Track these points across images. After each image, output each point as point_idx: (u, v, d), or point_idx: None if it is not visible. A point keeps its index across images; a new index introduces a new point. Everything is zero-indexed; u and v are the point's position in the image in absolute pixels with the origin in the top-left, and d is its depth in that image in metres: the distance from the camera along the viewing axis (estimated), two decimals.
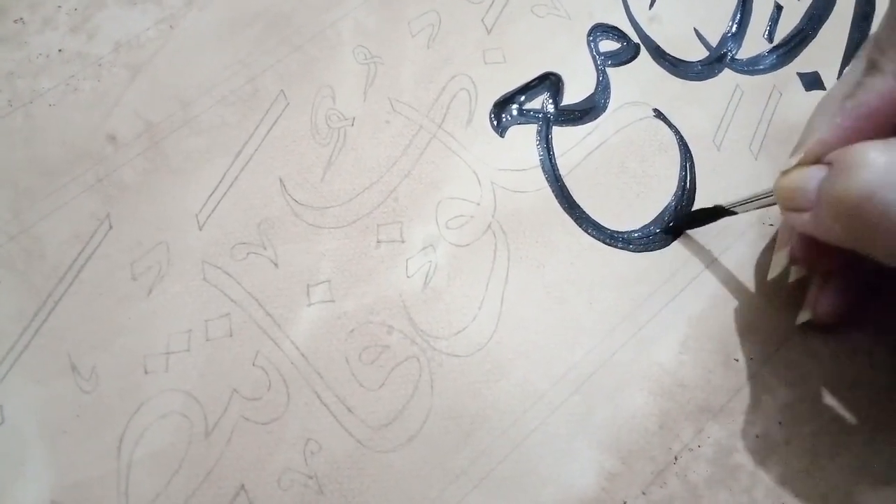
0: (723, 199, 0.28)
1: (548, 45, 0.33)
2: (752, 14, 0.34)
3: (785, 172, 0.24)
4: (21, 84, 0.31)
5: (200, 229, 0.29)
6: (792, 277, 0.27)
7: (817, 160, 0.23)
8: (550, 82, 0.32)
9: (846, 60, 0.33)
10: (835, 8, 0.34)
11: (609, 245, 0.29)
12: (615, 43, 0.33)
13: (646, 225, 0.30)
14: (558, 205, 0.30)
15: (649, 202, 0.30)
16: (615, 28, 0.33)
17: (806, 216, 0.23)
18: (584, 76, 0.32)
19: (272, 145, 0.30)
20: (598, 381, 0.27)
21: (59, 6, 0.33)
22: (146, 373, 0.26)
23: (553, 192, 0.30)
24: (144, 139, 0.30)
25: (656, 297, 0.28)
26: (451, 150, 0.31)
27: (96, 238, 0.28)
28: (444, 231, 0.29)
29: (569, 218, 0.30)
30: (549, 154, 0.31)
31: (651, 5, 0.34)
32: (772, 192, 0.25)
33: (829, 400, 0.27)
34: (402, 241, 0.29)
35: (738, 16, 0.34)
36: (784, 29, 0.34)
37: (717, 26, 0.34)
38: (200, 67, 0.32)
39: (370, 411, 0.26)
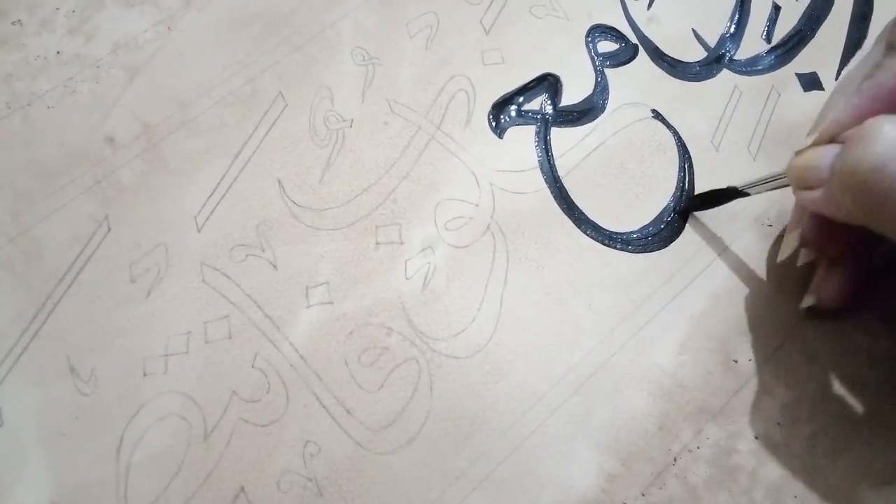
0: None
1: (546, 45, 0.33)
2: (751, 14, 0.34)
3: (799, 152, 0.24)
4: (19, 86, 0.31)
5: (199, 231, 0.29)
6: (801, 261, 0.27)
7: (832, 140, 0.23)
8: (549, 83, 0.32)
9: (845, 60, 0.33)
10: (833, 8, 0.34)
11: (608, 246, 0.29)
12: (613, 44, 0.33)
13: (645, 226, 0.30)
14: (557, 206, 0.30)
15: (648, 203, 0.30)
16: (613, 29, 0.33)
17: (817, 193, 0.23)
18: (582, 77, 0.32)
19: (271, 147, 0.30)
20: (598, 382, 0.27)
21: (58, 8, 0.32)
22: (145, 375, 0.26)
23: (552, 193, 0.30)
24: (143, 141, 0.30)
25: (655, 298, 0.28)
26: (449, 151, 0.31)
27: (95, 240, 0.28)
28: (443, 232, 0.29)
29: (567, 219, 0.30)
30: (547, 155, 0.31)
31: (649, 6, 0.34)
32: (784, 173, 0.25)
33: (829, 401, 0.27)
34: (401, 243, 0.29)
35: (737, 16, 0.34)
36: (782, 29, 0.34)
37: (716, 27, 0.34)
38: (199, 69, 0.32)
39: (369, 413, 0.26)
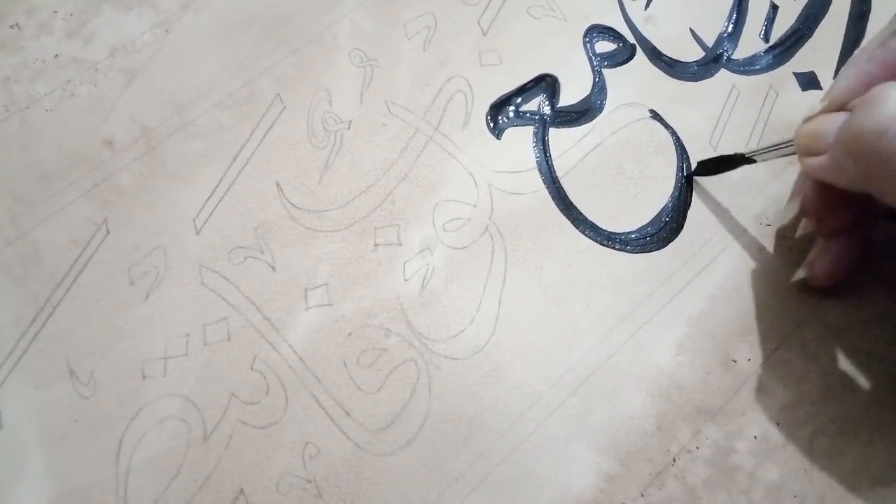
0: (719, 201, 0.28)
1: (544, 46, 0.33)
2: (748, 14, 0.34)
3: (807, 119, 0.24)
4: (17, 89, 0.31)
5: (198, 233, 0.29)
6: (799, 232, 0.27)
7: (841, 108, 0.23)
8: (547, 84, 0.32)
9: (842, 60, 0.33)
10: (831, 7, 0.34)
11: (606, 246, 0.29)
12: (611, 44, 0.33)
13: (643, 226, 0.30)
14: (555, 206, 0.30)
15: (646, 203, 0.30)
16: (611, 29, 0.33)
17: (822, 159, 0.23)
18: (580, 77, 0.32)
19: (269, 149, 0.30)
20: (596, 382, 0.27)
21: (55, 11, 0.33)
22: (144, 377, 0.26)
23: (550, 193, 0.30)
24: (141, 144, 0.30)
25: (654, 298, 0.28)
26: (447, 152, 0.31)
27: (94, 243, 0.28)
28: (441, 234, 0.29)
29: (566, 219, 0.30)
30: (545, 156, 0.31)
31: (647, 6, 0.34)
32: (791, 140, 0.25)
33: (828, 401, 0.27)
34: (400, 244, 0.29)
35: (734, 16, 0.34)
36: (780, 29, 0.34)
37: (713, 26, 0.34)
38: (196, 71, 0.32)
39: (368, 414, 0.26)
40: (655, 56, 0.33)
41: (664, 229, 0.30)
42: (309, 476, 0.25)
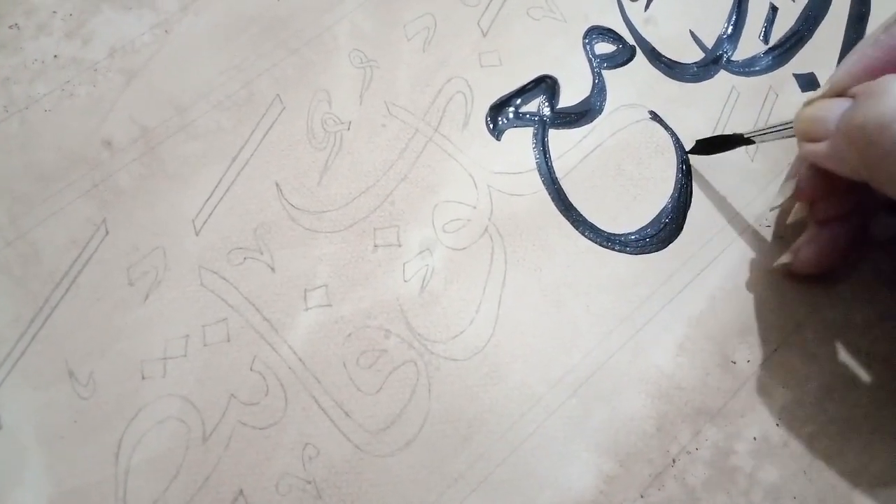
0: (718, 203, 0.28)
1: (544, 47, 0.33)
2: (748, 15, 0.34)
3: (808, 103, 0.24)
4: (17, 90, 0.31)
5: (197, 234, 0.29)
6: (791, 218, 0.27)
7: (843, 93, 0.23)
8: (546, 85, 0.32)
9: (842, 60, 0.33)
10: (830, 8, 0.34)
11: (606, 248, 0.29)
12: (611, 45, 0.33)
13: (643, 227, 0.30)
14: (555, 208, 0.30)
15: (646, 204, 0.30)
16: (611, 30, 0.33)
17: (822, 146, 0.23)
18: (579, 79, 0.32)
19: (268, 150, 0.30)
20: (596, 383, 0.27)
21: (55, 12, 0.33)
22: (143, 378, 0.26)
23: (549, 194, 0.30)
24: (140, 144, 0.30)
25: (653, 299, 0.28)
26: (447, 153, 0.31)
27: (93, 243, 0.28)
28: (441, 234, 0.29)
29: (565, 221, 0.30)
30: (545, 157, 0.31)
31: (646, 7, 0.34)
32: (791, 123, 0.25)
33: (827, 402, 0.27)
34: (399, 245, 0.29)
35: (734, 17, 0.34)
36: (780, 30, 0.34)
37: (713, 28, 0.34)
38: (196, 72, 0.32)
39: (368, 415, 0.26)
40: (655, 57, 0.33)
41: (664, 230, 0.30)
42: (308, 477, 0.25)
